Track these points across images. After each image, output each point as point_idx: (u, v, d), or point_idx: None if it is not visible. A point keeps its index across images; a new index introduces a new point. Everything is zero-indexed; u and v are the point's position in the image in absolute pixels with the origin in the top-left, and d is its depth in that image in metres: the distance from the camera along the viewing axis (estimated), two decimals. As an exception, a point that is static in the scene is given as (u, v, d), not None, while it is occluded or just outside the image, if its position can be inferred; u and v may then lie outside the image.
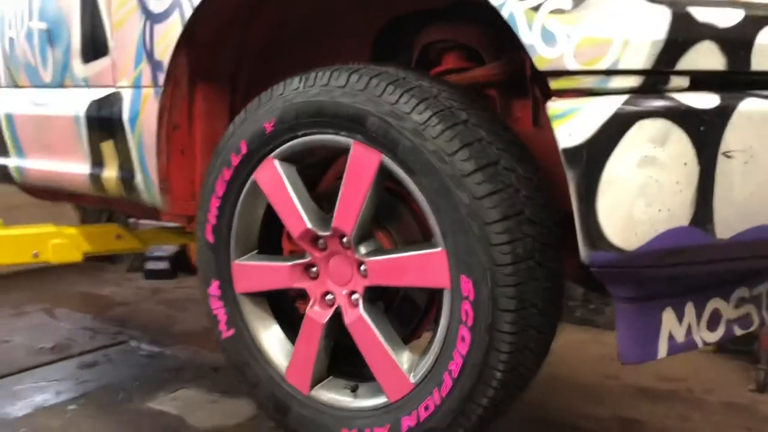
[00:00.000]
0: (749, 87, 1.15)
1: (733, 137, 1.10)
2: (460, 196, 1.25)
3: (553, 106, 1.14)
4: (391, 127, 1.31)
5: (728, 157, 1.11)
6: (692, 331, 1.32)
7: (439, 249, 1.31)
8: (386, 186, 1.47)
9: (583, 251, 1.16)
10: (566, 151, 1.13)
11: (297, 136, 1.45)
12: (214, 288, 1.64)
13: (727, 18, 1.13)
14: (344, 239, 1.45)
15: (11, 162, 2.19)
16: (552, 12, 1.13)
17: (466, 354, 1.30)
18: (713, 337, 1.36)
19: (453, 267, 1.29)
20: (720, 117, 1.09)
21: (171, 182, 1.79)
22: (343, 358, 1.57)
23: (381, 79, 1.34)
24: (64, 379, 2.75)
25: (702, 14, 1.11)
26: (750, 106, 1.11)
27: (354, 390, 1.53)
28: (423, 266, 1.35)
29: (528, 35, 1.15)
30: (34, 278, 4.19)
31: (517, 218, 1.25)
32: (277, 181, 1.50)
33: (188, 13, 1.59)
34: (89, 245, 2.19)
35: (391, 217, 1.51)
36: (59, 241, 2.14)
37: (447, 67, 1.63)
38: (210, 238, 1.62)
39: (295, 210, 1.49)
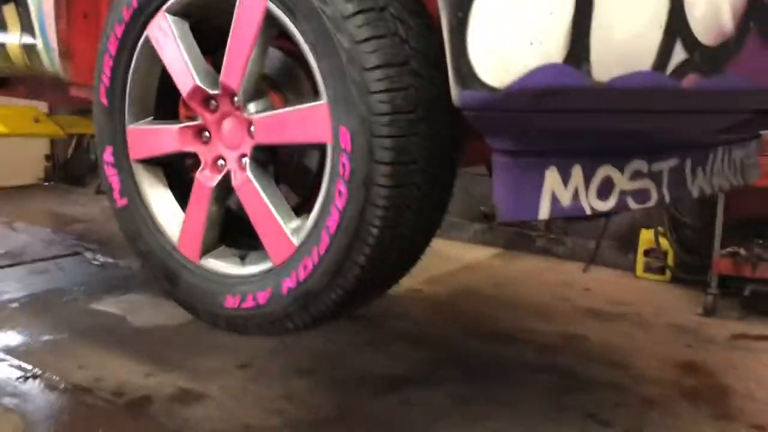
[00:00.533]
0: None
1: (613, -31, 1.04)
2: (340, 39, 1.19)
3: (430, -66, 1.07)
4: None
5: (607, -9, 1.04)
6: (579, 195, 1.27)
7: (321, 102, 1.25)
8: (283, 47, 1.40)
9: (454, 91, 1.11)
10: (439, -19, 1.06)
11: None
12: (108, 154, 1.58)
13: None
14: (234, 98, 1.39)
15: None
16: None
17: (343, 209, 1.25)
18: (603, 205, 1.31)
19: (333, 119, 1.23)
20: (600, -55, 1.03)
21: (73, 48, 1.71)
22: (237, 230, 1.53)
23: None
24: (10, 281, 2.73)
25: None
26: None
27: (243, 258, 1.49)
28: (305, 120, 1.29)
29: None
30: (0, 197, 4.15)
31: (400, 68, 1.19)
32: (168, 37, 1.43)
33: None
34: (5, 126, 2.11)
35: (287, 78, 1.45)
36: (-29, 120, 2.07)
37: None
38: (104, 101, 1.55)
39: (185, 66, 1.42)
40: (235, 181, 1.41)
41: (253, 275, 1.42)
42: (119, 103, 1.54)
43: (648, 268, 3.37)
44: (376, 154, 1.20)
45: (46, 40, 1.71)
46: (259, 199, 1.38)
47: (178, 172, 1.60)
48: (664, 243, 3.29)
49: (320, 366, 2.12)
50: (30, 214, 3.84)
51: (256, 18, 1.29)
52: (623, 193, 1.34)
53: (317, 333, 2.10)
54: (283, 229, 1.35)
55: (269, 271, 1.38)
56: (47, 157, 5.21)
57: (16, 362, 2.04)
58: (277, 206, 1.38)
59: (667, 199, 1.43)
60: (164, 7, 1.42)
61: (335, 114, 1.23)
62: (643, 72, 1.09)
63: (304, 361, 2.14)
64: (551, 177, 1.23)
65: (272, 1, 1.26)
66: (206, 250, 1.49)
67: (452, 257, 3.51)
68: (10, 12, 1.77)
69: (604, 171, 1.30)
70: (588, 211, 1.29)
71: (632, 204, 1.36)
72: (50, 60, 1.73)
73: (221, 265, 1.48)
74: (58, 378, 1.94)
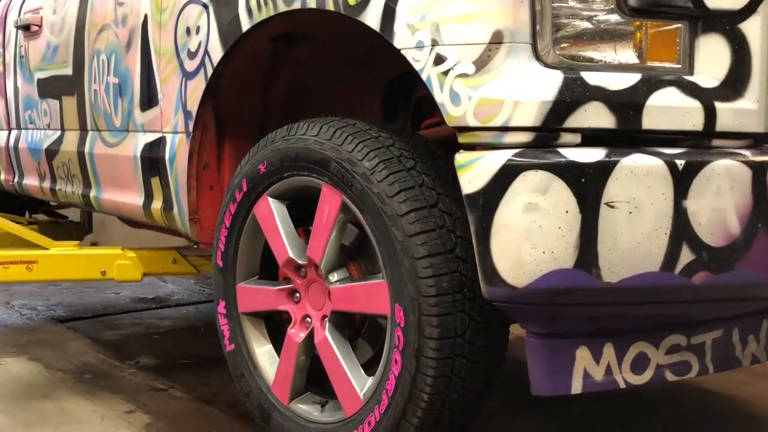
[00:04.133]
0: (646, 145, 1.25)
1: (615, 189, 1.20)
2: (396, 233, 1.42)
3: (458, 158, 1.29)
4: (347, 171, 1.50)
5: (611, 207, 1.21)
6: (612, 371, 1.39)
7: (381, 280, 1.48)
8: (359, 223, 1.65)
9: (483, 287, 1.30)
10: (467, 197, 1.28)
11: (283, 177, 1.68)
12: (221, 307, 1.89)
13: (620, 81, 1.24)
14: (318, 268, 1.65)
15: (92, 193, 2.58)
16: (458, 76, 1.29)
17: (398, 375, 1.45)
18: (638, 379, 1.41)
19: (391, 296, 1.46)
20: (602, 170, 1.20)
21: (200, 214, 2.07)
22: (322, 378, 1.76)
23: (344, 130, 1.54)
24: (156, 318, 3.42)
25: (594, 78, 1.24)
26: (633, 160, 1.21)
27: (323, 405, 1.71)
28: (370, 294, 1.52)
29: (440, 95, 1.31)
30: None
31: (445, 255, 1.40)
32: (269, 215, 1.73)
33: (210, 71, 1.88)
34: (148, 267, 2.52)
35: (363, 251, 1.70)
36: (123, 262, 2.49)
37: (436, 119, 1.80)
38: (220, 262, 1.87)
39: (281, 240, 1.71)
40: (316, 338, 1.66)
41: (329, 423, 1.63)
42: (231, 264, 1.84)
43: None
44: (425, 330, 1.40)
45: (180, 206, 2.09)
46: (334, 356, 1.61)
47: (277, 325, 1.87)
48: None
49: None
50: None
51: (334, 208, 1.56)
52: (660, 367, 1.44)
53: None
54: (353, 385, 1.57)
55: (342, 421, 1.60)
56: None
57: (151, 377, 2.51)
58: (348, 363, 1.60)
59: (711, 370, 1.50)
60: (267, 192, 1.73)
61: (392, 292, 1.45)
62: (651, 273, 1.23)
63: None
64: (582, 355, 1.36)
65: (346, 196, 1.53)
66: (294, 395, 1.73)
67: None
68: (155, 183, 2.18)
69: (639, 347, 1.41)
70: (622, 385, 1.41)
71: (670, 377, 1.45)
72: (182, 222, 2.11)
73: (305, 409, 1.71)
74: (184, 392, 2.36)
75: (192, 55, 1.96)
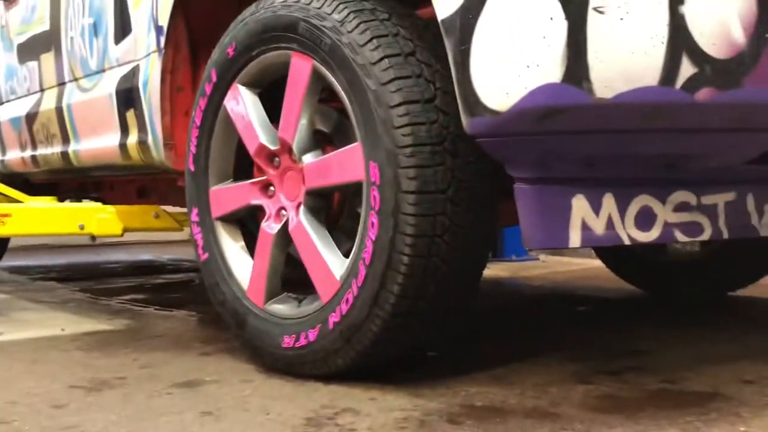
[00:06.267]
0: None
1: (603, -8, 1.09)
2: (368, 82, 1.30)
3: (434, -17, 1.19)
4: (315, 28, 1.40)
5: (600, 12, 1.09)
6: (614, 224, 1.26)
7: (355, 143, 1.36)
8: (337, 107, 1.53)
9: (464, 120, 1.18)
10: (443, 22, 1.17)
11: (252, 57, 1.56)
12: (194, 215, 1.75)
13: None
14: (292, 152, 1.53)
15: (70, 147, 2.48)
16: None
17: (375, 239, 1.31)
18: (645, 236, 1.28)
19: (365, 156, 1.33)
20: (588, -27, 1.09)
21: (175, 140, 1.96)
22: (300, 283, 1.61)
23: None
24: None
25: None
26: (621, -40, 1.10)
27: (301, 301, 1.57)
28: (344, 162, 1.40)
29: None
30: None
31: (423, 105, 1.28)
32: (240, 104, 1.61)
33: (179, -22, 1.80)
34: (129, 221, 2.40)
35: (341, 133, 1.57)
36: (103, 215, 2.37)
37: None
38: (191, 166, 1.74)
39: (252, 127, 1.59)
40: (290, 226, 1.52)
41: (306, 315, 1.49)
42: (204, 167, 1.71)
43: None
44: (402, 184, 1.27)
45: (155, 134, 1.98)
46: (309, 240, 1.47)
47: (253, 236, 1.73)
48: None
49: None
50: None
51: (304, 76, 1.45)
52: (668, 225, 1.30)
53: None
54: (329, 266, 1.43)
55: (319, 309, 1.45)
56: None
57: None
58: (324, 246, 1.46)
59: (726, 234, 1.36)
60: (236, 80, 1.62)
61: (366, 151, 1.33)
62: (649, 87, 1.11)
63: None
64: (579, 205, 1.23)
65: (316, 59, 1.42)
66: (270, 295, 1.58)
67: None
68: (130, 117, 2.09)
69: (642, 200, 1.28)
70: (627, 241, 1.27)
71: (680, 236, 1.32)
72: (157, 151, 2.00)
73: (281, 308, 1.57)
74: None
75: (162, -33, 1.88)
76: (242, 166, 1.71)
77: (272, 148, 1.55)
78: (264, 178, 1.61)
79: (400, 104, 1.27)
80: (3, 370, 1.66)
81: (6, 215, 2.34)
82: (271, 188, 1.61)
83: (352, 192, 1.54)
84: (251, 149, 1.59)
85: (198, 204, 1.73)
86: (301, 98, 1.46)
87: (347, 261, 1.41)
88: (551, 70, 1.10)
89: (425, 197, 1.26)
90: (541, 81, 1.10)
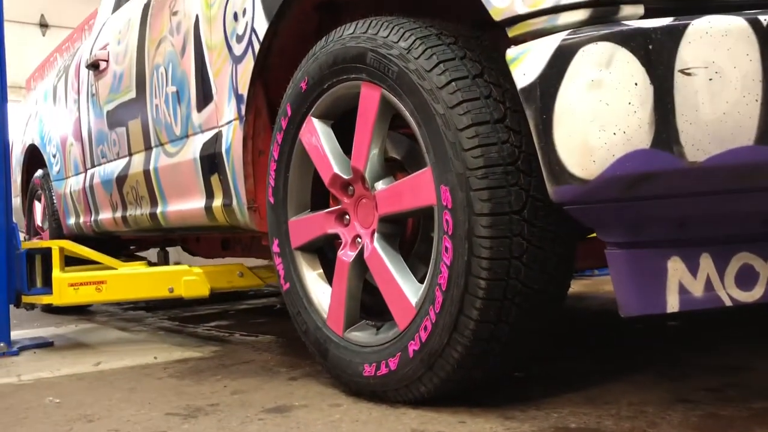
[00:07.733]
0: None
1: (689, 54, 1.06)
2: (436, 107, 1.31)
3: (509, 53, 1.18)
4: (383, 57, 1.42)
5: (687, 74, 1.06)
6: (714, 285, 1.20)
7: (426, 168, 1.36)
8: (408, 133, 1.54)
9: (550, 189, 1.16)
10: (522, 91, 1.16)
11: (324, 90, 1.60)
12: (275, 246, 1.79)
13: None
14: (365, 180, 1.53)
15: (158, 209, 2.58)
16: (499, -37, 1.19)
17: (450, 264, 1.30)
18: (747, 296, 1.22)
19: (435, 180, 1.33)
20: (671, 34, 1.07)
21: (258, 203, 2.01)
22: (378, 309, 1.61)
23: (378, 20, 1.47)
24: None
25: (651, -57, 1.11)
26: (706, 21, 1.07)
27: (379, 328, 1.58)
28: (415, 187, 1.40)
29: (481, -11, 1.22)
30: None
31: (492, 125, 1.27)
32: (314, 136, 1.65)
33: (257, 48, 1.85)
34: (215, 282, 2.47)
35: (412, 160, 1.57)
36: (191, 278, 2.45)
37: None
38: (271, 198, 1.79)
39: (326, 158, 1.62)
40: (366, 254, 1.53)
41: (385, 342, 1.49)
42: (282, 199, 1.76)
43: None
44: (474, 206, 1.26)
45: (238, 197, 2.04)
46: (384, 267, 1.48)
47: (332, 263, 1.73)
48: None
49: None
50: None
51: (373, 105, 1.47)
52: (773, 282, 1.24)
53: None
54: (404, 292, 1.43)
55: (397, 336, 1.45)
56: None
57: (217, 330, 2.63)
58: (399, 272, 1.46)
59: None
60: (310, 113, 1.66)
61: (437, 175, 1.32)
62: (744, 148, 1.06)
63: None
64: (675, 267, 1.19)
65: (385, 88, 1.43)
66: (348, 324, 1.60)
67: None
68: (215, 181, 2.15)
69: (741, 259, 1.22)
70: (728, 302, 1.21)
71: (786, 293, 1.25)
72: (241, 213, 2.05)
73: (360, 335, 1.58)
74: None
75: (240, 39, 1.95)
76: (319, 196, 1.75)
77: (346, 177, 1.59)
78: (339, 207, 1.64)
79: (469, 126, 1.27)
80: (105, 399, 1.73)
81: (102, 281, 2.45)
82: (347, 217, 1.63)
83: (425, 217, 1.54)
84: (326, 179, 1.62)
85: (278, 235, 1.77)
86: (371, 127, 1.48)
87: (422, 287, 1.40)
88: (639, 136, 1.07)
89: (499, 219, 1.25)
90: (629, 148, 1.07)
